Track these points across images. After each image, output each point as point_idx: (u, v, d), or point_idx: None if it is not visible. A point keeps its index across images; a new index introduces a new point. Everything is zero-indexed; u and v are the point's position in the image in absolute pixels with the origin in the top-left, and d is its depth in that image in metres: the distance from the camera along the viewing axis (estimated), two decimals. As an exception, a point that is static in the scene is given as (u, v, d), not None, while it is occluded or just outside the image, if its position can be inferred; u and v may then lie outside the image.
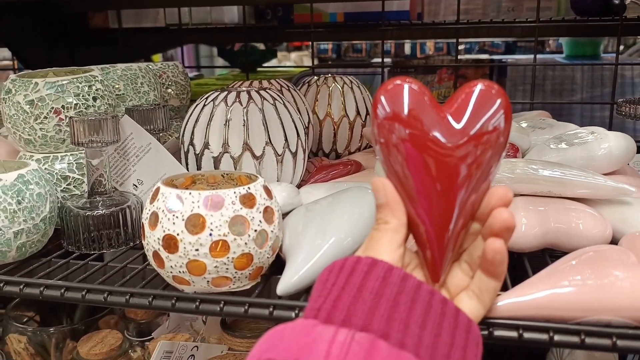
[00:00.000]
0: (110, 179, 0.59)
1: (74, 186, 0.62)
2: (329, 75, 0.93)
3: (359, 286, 0.35)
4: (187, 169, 0.67)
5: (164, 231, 0.45)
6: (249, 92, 0.66)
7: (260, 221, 0.46)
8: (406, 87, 0.38)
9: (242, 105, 0.65)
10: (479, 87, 0.38)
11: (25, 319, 0.85)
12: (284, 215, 0.56)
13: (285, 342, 0.33)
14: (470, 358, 0.34)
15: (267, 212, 0.47)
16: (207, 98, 0.67)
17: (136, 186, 0.63)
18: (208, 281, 0.45)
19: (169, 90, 0.84)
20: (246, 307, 0.45)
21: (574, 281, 0.41)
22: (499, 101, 0.38)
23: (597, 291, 0.41)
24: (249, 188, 0.46)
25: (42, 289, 0.49)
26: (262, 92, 0.67)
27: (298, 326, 0.34)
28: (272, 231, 0.47)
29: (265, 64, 1.56)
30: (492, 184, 0.39)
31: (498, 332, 0.41)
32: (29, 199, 0.53)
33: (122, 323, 0.81)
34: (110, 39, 1.17)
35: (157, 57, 2.13)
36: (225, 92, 0.66)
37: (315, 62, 1.78)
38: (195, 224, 0.44)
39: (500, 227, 0.37)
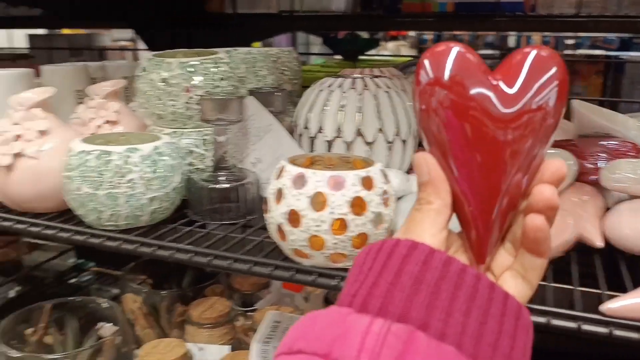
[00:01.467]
0: (233, 155, 0.63)
1: (199, 160, 0.66)
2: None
3: (397, 270, 0.32)
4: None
5: (288, 206, 0.47)
6: (364, 79, 0.68)
7: (378, 203, 0.48)
8: (454, 50, 0.34)
9: (356, 92, 0.66)
10: (534, 52, 0.34)
11: (140, 282, 0.92)
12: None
13: (316, 331, 0.31)
14: (520, 346, 0.31)
15: (384, 195, 0.48)
16: (323, 83, 0.69)
17: (254, 164, 0.67)
18: (326, 256, 0.48)
19: (284, 75, 0.87)
20: (361, 285, 0.47)
21: None
22: (554, 69, 0.33)
23: None
24: (368, 171, 0.48)
25: (172, 252, 0.53)
26: (376, 79, 0.68)
27: (331, 314, 0.32)
28: (388, 214, 0.49)
29: (367, 53, 1.57)
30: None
31: (618, 332, 0.40)
32: (162, 169, 0.58)
33: (228, 292, 0.86)
34: (225, 23, 1.23)
35: (257, 43, 2.20)
36: (341, 79, 0.68)
37: (415, 52, 1.77)
38: (318, 201, 0.47)
39: (542, 206, 0.33)
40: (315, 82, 0.71)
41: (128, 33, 2.43)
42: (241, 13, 1.23)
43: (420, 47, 2.27)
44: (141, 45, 2.50)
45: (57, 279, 1.07)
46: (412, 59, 1.42)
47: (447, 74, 0.33)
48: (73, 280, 1.08)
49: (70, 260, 1.10)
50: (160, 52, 0.71)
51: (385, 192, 0.49)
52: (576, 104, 0.66)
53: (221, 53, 0.69)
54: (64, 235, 0.58)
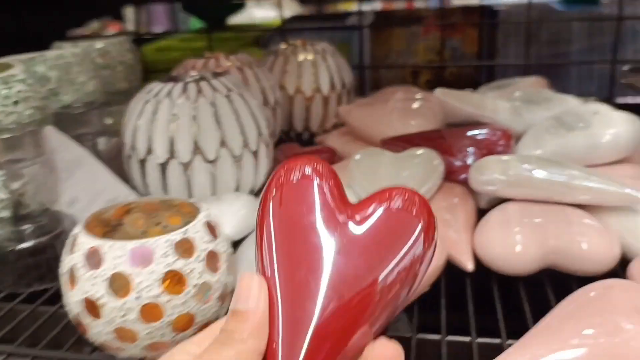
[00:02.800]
0: (35, 201, 0.51)
1: (1, 207, 0.53)
2: (299, 43, 0.82)
3: None
4: (131, 176, 0.58)
5: (83, 293, 0.37)
6: (197, 83, 0.56)
7: (201, 272, 0.38)
8: (308, 183, 0.29)
9: (189, 100, 0.55)
10: (396, 203, 0.28)
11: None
12: (242, 240, 0.49)
13: None
14: None
15: (211, 258, 0.39)
16: (149, 91, 0.57)
17: (70, 204, 0.54)
18: (142, 348, 0.38)
19: (116, 72, 0.73)
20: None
21: (583, 339, 0.34)
22: (419, 227, 0.27)
23: (610, 353, 0.33)
24: (185, 231, 0.38)
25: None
26: (213, 81, 0.57)
27: None
28: (218, 280, 0.39)
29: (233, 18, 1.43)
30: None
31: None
32: None
33: None
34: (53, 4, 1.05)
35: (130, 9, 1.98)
36: (171, 84, 0.57)
37: (290, 12, 1.65)
38: (119, 284, 0.36)
39: None
40: (143, 89, 0.59)
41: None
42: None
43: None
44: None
45: None
46: (277, 26, 1.30)
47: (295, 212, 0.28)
48: None
49: None
50: None
51: (211, 254, 0.39)
52: (440, 93, 0.59)
53: (15, 67, 0.55)
54: None
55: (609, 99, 0.96)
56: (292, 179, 0.29)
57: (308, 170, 0.30)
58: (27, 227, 0.50)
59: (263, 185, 0.61)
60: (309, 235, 0.28)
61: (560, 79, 1.18)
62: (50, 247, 0.49)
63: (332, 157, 0.69)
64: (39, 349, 0.41)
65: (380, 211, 0.28)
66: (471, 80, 1.27)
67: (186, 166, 0.55)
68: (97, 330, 0.37)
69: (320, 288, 0.26)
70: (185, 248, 0.38)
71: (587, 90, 1.17)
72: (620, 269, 0.45)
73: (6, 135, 0.47)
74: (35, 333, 0.43)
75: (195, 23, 1.74)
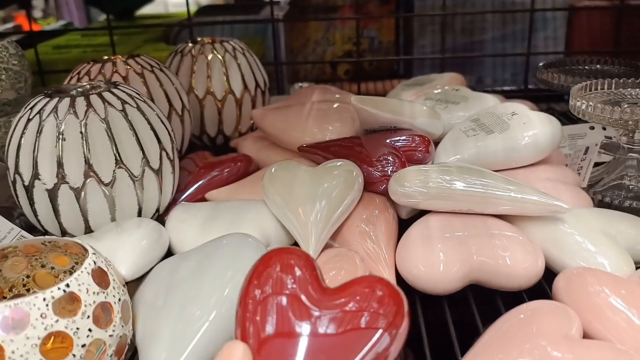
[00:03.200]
0: None
1: None
2: (207, 41, 0.77)
3: None
4: (19, 203, 0.52)
5: (-58, 368, 0.31)
6: (87, 97, 0.50)
7: (90, 329, 0.33)
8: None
9: (78, 118, 0.49)
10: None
11: None
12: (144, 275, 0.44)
13: None
14: None
15: (101, 311, 0.34)
16: (31, 108, 0.50)
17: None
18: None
19: (1, 81, 0.65)
20: None
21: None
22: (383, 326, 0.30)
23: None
24: (67, 286, 0.33)
25: None
26: (105, 93, 0.51)
27: None
28: (111, 335, 0.34)
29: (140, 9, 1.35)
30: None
31: None
32: None
33: None
34: None
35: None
36: (56, 99, 0.50)
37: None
38: (-11, 355, 0.31)
39: None
40: (25, 106, 0.52)
41: None
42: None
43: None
44: None
45: None
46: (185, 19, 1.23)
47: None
48: None
49: None
50: None
51: (102, 306, 0.34)
52: (356, 100, 0.55)
53: None
54: None
55: (523, 88, 0.97)
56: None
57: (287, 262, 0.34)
58: None
59: (169, 202, 0.56)
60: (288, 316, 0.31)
61: (475, 67, 1.19)
62: None
63: (248, 165, 0.65)
64: None
65: (350, 306, 0.31)
66: (389, 70, 1.26)
67: (78, 191, 0.49)
68: (-35, 410, 0.31)
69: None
70: (69, 303, 0.33)
71: (502, 78, 1.19)
72: (545, 282, 0.44)
73: None
74: None
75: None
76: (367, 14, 1.28)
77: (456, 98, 0.66)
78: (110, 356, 0.34)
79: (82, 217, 0.50)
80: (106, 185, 0.50)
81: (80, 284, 0.33)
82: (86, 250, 0.36)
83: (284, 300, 0.32)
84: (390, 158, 0.54)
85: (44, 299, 0.32)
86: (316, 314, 0.32)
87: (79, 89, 0.53)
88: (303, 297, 0.32)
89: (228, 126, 0.76)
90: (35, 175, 0.49)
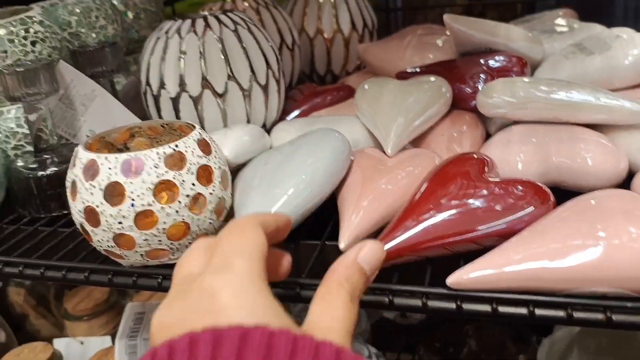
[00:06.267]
0: (54, 133, 0.54)
1: (25, 142, 0.57)
2: (319, -15, 0.82)
3: None
4: (148, 112, 0.60)
5: (83, 203, 0.39)
6: (205, 19, 0.57)
7: (193, 184, 0.39)
8: None
9: (197, 36, 0.56)
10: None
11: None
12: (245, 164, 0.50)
13: None
14: None
15: (203, 172, 0.40)
16: (161, 29, 0.59)
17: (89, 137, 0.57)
18: (142, 254, 0.40)
19: (139, 20, 0.75)
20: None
21: (567, 244, 0.33)
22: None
23: (603, 256, 0.32)
24: (176, 146, 0.39)
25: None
26: (221, 16, 0.58)
27: None
28: (211, 193, 0.40)
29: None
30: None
31: (467, 306, 0.34)
32: (-40, 166, 0.48)
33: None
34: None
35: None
36: (180, 21, 0.58)
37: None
38: (114, 193, 0.38)
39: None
40: (156, 29, 0.60)
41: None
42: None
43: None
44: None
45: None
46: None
47: None
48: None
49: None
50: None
51: (204, 168, 0.40)
52: (448, 19, 0.57)
53: (33, 10, 0.57)
54: None
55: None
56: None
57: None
58: (47, 157, 0.53)
59: (275, 121, 0.62)
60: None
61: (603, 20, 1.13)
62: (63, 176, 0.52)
63: (350, 93, 0.69)
64: (54, 260, 0.44)
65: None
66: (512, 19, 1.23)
67: (196, 100, 0.56)
68: (99, 238, 0.39)
69: None
70: (176, 161, 0.39)
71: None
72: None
73: (21, 69, 0.50)
74: (52, 249, 0.46)
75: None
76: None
77: (562, 28, 0.65)
78: (210, 211, 0.41)
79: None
80: (220, 96, 0.57)
81: (187, 146, 0.40)
82: (191, 128, 0.43)
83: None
84: (482, 75, 0.55)
85: (157, 153, 0.39)
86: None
87: (198, 15, 0.60)
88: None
89: (336, 65, 0.81)
90: (162, 85, 0.57)
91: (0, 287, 0.81)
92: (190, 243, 0.41)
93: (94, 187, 0.38)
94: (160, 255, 0.40)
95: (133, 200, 0.38)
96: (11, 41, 0.54)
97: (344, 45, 0.79)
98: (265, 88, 0.59)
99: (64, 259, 0.44)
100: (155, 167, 0.38)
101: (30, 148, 0.57)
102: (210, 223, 0.41)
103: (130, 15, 0.74)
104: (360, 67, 0.82)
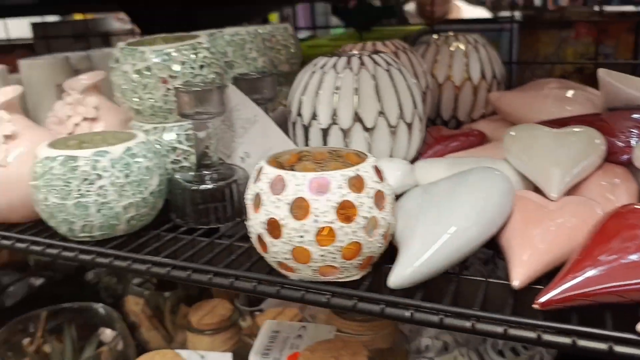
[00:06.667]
0: (216, 151, 0.57)
1: (183, 157, 0.61)
2: (450, 33, 0.84)
3: None
4: (295, 141, 0.63)
5: (267, 215, 0.41)
6: (360, 57, 0.61)
7: (370, 207, 0.41)
8: None
9: (352, 72, 0.59)
10: None
11: (143, 281, 0.88)
12: (397, 197, 0.51)
13: None
14: None
15: (378, 197, 0.42)
16: (315, 64, 0.62)
17: (243, 159, 0.61)
18: (314, 269, 0.42)
19: (279, 55, 0.80)
20: (355, 302, 0.41)
21: None
22: None
23: None
24: (357, 170, 0.41)
25: (148, 266, 0.48)
26: (374, 56, 0.61)
27: None
28: (383, 217, 0.42)
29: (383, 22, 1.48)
30: None
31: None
32: (136, 173, 0.52)
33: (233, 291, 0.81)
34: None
35: (274, 16, 2.11)
36: (335, 58, 0.61)
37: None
38: (299, 208, 0.40)
39: None
40: (310, 63, 0.64)
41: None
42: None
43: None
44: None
45: (67, 277, 1.03)
46: (426, 27, 1.33)
47: None
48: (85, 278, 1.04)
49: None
50: (135, 39, 0.65)
51: (379, 193, 0.42)
52: (603, 73, 0.57)
53: (201, 37, 0.62)
54: (37, 248, 0.54)
55: None
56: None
57: None
58: (207, 173, 0.57)
59: (415, 158, 0.64)
60: None
61: None
62: (225, 192, 0.55)
63: (482, 139, 0.70)
64: (242, 270, 0.46)
65: None
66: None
67: (346, 132, 0.59)
68: (277, 249, 0.42)
69: None
70: (356, 183, 0.41)
71: None
72: None
73: (196, 89, 0.54)
74: (212, 260, 0.49)
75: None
76: (604, 30, 1.26)
77: None
78: (381, 235, 0.42)
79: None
80: (368, 130, 0.59)
81: (366, 171, 0.42)
82: (364, 156, 0.45)
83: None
84: (634, 130, 0.55)
85: (342, 175, 0.41)
86: None
87: (352, 53, 0.63)
88: None
89: (462, 111, 0.82)
90: (313, 116, 0.60)
91: (120, 295, 0.85)
92: (358, 264, 0.42)
93: (280, 200, 0.41)
94: (329, 272, 0.42)
95: (317, 216, 0.40)
96: (183, 63, 0.59)
97: (472, 92, 0.81)
98: (410, 126, 0.61)
99: (231, 268, 0.46)
100: (340, 187, 0.40)
101: (186, 164, 0.61)
102: (379, 247, 0.43)
103: (273, 50, 0.79)
104: (485, 114, 0.83)
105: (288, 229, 0.40)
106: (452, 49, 0.81)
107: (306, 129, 0.61)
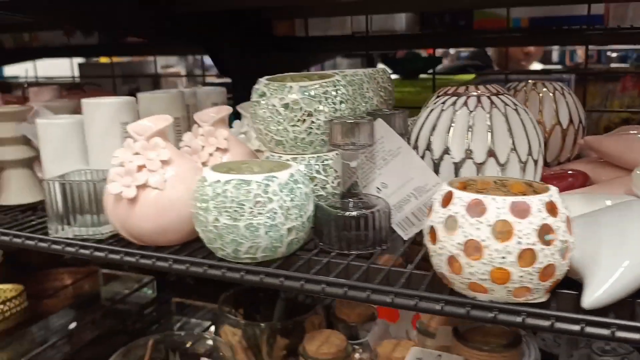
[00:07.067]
0: (361, 181, 0.60)
1: (320, 187, 0.63)
2: (537, 81, 0.89)
3: None
4: (423, 175, 0.66)
5: (465, 236, 0.44)
6: (489, 97, 0.64)
7: (564, 231, 0.44)
8: None
9: (485, 110, 0.63)
10: None
11: (231, 313, 0.89)
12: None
13: None
14: None
15: (568, 222, 0.45)
16: (444, 103, 0.66)
17: (379, 189, 0.63)
18: (509, 290, 0.44)
19: (383, 95, 0.84)
20: (552, 322, 0.43)
21: None
22: None
23: None
24: (550, 196, 0.44)
25: (323, 286, 0.50)
26: (502, 97, 0.65)
27: None
28: (573, 242, 0.45)
29: (429, 71, 1.54)
30: None
31: None
32: (299, 197, 0.55)
33: (329, 324, 0.82)
34: (295, 46, 1.21)
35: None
36: (465, 97, 0.65)
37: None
38: (501, 230, 0.43)
39: None
40: (433, 102, 0.68)
41: (173, 59, 2.43)
42: (312, 36, 1.21)
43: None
44: (183, 71, 2.50)
45: (138, 311, 1.04)
46: (475, 78, 1.39)
47: None
48: (153, 313, 1.05)
49: (149, 292, 1.07)
50: (271, 76, 0.68)
51: (567, 219, 0.45)
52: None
53: (338, 76, 0.66)
54: (197, 270, 0.55)
55: None
56: None
57: None
58: (351, 201, 0.59)
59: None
60: None
61: None
62: (369, 220, 0.58)
63: (585, 180, 0.73)
64: (421, 291, 0.48)
65: None
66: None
67: (479, 166, 0.62)
68: (474, 270, 0.44)
69: None
70: (552, 208, 0.44)
71: None
72: None
73: (350, 121, 0.57)
74: (383, 282, 0.51)
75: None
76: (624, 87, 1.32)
77: None
78: (570, 259, 0.45)
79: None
80: (501, 165, 0.62)
81: (556, 198, 0.45)
82: (542, 187, 0.48)
83: None
84: None
85: (540, 200, 0.43)
86: None
87: (477, 93, 0.67)
88: None
89: (550, 154, 0.86)
90: (446, 151, 0.63)
91: (216, 325, 0.85)
92: (549, 286, 0.45)
93: (481, 223, 0.43)
94: (522, 294, 0.44)
95: (520, 238, 0.42)
96: (326, 99, 0.62)
97: (561, 137, 0.85)
98: (536, 163, 0.64)
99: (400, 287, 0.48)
100: (539, 211, 0.43)
101: (323, 192, 0.63)
102: (565, 269, 0.45)
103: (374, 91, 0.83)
104: (571, 158, 0.87)
105: (490, 250, 0.43)
106: (540, 94, 0.86)
107: (436, 163, 0.64)
